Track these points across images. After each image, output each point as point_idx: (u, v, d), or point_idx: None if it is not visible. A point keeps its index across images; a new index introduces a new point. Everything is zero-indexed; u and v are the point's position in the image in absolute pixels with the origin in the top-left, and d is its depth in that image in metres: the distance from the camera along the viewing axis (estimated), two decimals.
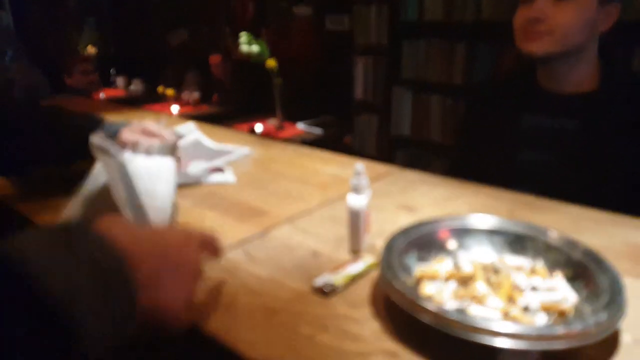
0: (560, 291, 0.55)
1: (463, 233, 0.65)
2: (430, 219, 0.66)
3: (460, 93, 2.49)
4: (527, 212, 0.78)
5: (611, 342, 0.50)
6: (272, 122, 3.15)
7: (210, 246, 0.55)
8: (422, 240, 0.63)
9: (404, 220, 0.77)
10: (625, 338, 0.50)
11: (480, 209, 0.80)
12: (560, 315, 0.53)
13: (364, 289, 0.60)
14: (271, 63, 2.90)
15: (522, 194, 0.85)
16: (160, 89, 3.92)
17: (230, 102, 3.82)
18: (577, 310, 0.53)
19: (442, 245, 0.64)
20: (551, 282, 0.57)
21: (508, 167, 1.12)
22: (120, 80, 4.84)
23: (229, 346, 0.51)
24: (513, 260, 0.61)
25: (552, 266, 0.60)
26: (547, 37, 0.97)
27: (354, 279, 0.61)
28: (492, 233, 0.65)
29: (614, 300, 0.50)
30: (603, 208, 0.80)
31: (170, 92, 3.79)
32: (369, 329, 0.53)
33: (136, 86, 4.71)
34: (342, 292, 0.59)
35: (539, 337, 0.45)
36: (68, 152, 0.89)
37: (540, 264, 0.60)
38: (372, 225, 0.70)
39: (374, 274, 0.63)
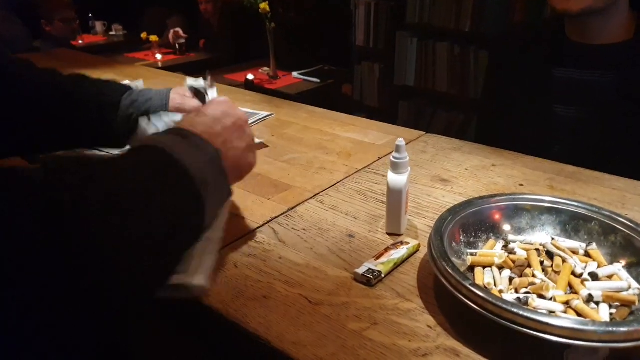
0: (623, 279, 0.52)
1: (512, 213, 0.61)
2: (476, 197, 0.62)
3: (470, 40, 2.39)
4: (569, 184, 0.74)
5: None
6: (265, 71, 3.03)
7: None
8: (470, 222, 0.59)
9: (440, 194, 0.73)
10: None
11: (519, 180, 0.76)
12: (624, 306, 0.50)
13: (409, 275, 0.56)
14: (264, 6, 2.75)
15: (563, 164, 0.81)
16: (143, 35, 3.73)
17: (220, 49, 3.65)
18: None
19: (491, 227, 0.60)
20: (610, 269, 0.53)
21: (540, 123, 1.07)
22: (99, 26, 4.61)
23: (274, 346, 0.47)
24: (566, 243, 0.58)
25: (608, 250, 0.56)
26: None
27: (397, 264, 0.57)
28: (543, 212, 0.61)
29: None
30: (636, 169, 0.77)
31: (154, 38, 3.61)
32: (424, 323, 0.49)
33: (117, 32, 4.50)
34: (387, 280, 0.55)
35: (611, 335, 0.42)
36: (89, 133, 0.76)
37: (594, 248, 0.57)
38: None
39: (417, 258, 0.59)
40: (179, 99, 0.81)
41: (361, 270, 0.55)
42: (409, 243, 0.60)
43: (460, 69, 2.46)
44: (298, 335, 0.48)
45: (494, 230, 0.60)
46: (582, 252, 0.57)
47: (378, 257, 0.58)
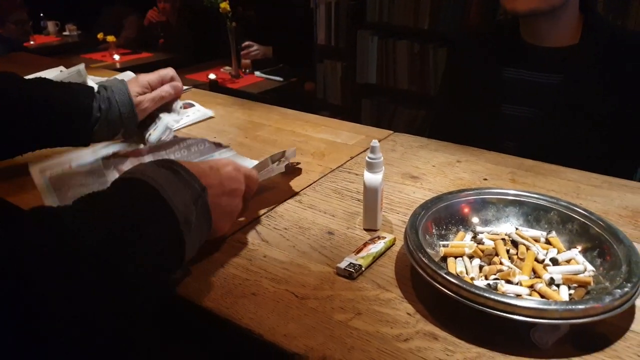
0: (580, 263, 0.57)
1: (479, 206, 0.66)
2: (445, 193, 0.66)
3: (428, 38, 2.46)
4: (529, 177, 0.80)
5: (628, 308, 0.53)
6: (227, 70, 3.02)
7: (251, 180, 0.65)
8: (441, 215, 0.64)
9: (410, 190, 0.77)
10: (639, 303, 0.54)
11: (483, 175, 0.81)
12: (581, 286, 0.55)
13: (387, 268, 0.60)
14: (224, 5, 2.74)
15: (523, 158, 0.87)
16: (100, 35, 3.65)
17: (179, 49, 3.61)
18: (596, 281, 0.55)
19: (460, 220, 0.65)
20: (568, 254, 0.59)
21: (491, 121, 1.13)
22: (51, 26, 4.47)
23: (266, 339, 0.50)
24: (529, 232, 0.63)
25: (566, 237, 0.62)
26: None
27: (376, 258, 0.61)
28: (507, 205, 0.66)
29: (634, 271, 0.52)
30: (583, 163, 0.83)
31: (111, 38, 3.53)
32: (404, 311, 0.53)
33: (70, 32, 4.37)
34: (367, 273, 0.59)
35: (571, 312, 0.47)
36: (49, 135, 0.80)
37: (554, 235, 0.62)
38: None
39: (393, 251, 0.63)
40: (139, 89, 0.88)
41: (343, 264, 0.59)
42: (385, 237, 0.64)
43: (420, 67, 2.53)
44: (288, 328, 0.51)
45: (463, 222, 0.65)
46: (543, 240, 0.62)
47: (357, 251, 0.61)
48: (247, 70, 2.94)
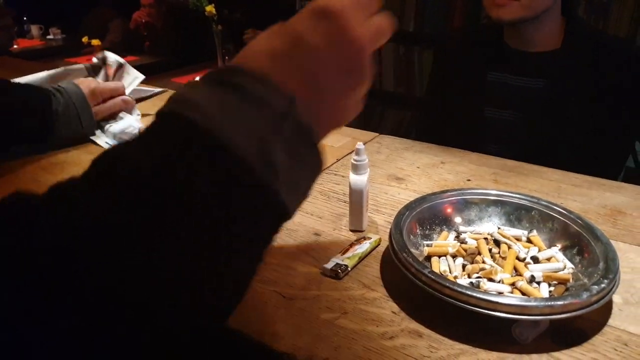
0: (560, 261, 0.59)
1: (462, 206, 0.67)
2: (429, 193, 0.68)
3: (414, 40, 2.48)
4: (511, 177, 0.82)
5: (605, 304, 0.54)
6: None
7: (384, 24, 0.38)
8: (425, 216, 0.65)
9: (395, 191, 0.79)
10: (616, 299, 0.55)
11: (466, 176, 0.83)
12: (561, 283, 0.57)
13: (373, 267, 0.61)
14: (210, 9, 2.74)
15: (505, 159, 0.88)
16: (84, 39, 3.62)
17: (165, 52, 3.60)
18: (575, 277, 0.57)
19: (443, 220, 0.66)
20: (548, 252, 0.60)
21: (476, 124, 1.15)
22: (35, 30, 4.42)
23: (254, 339, 0.51)
24: (511, 231, 0.65)
25: (547, 236, 0.64)
26: (515, 3, 0.99)
27: (362, 258, 0.62)
28: (489, 205, 0.67)
29: (610, 268, 0.54)
30: (566, 166, 0.85)
31: (96, 42, 3.51)
32: (389, 310, 0.54)
33: (54, 35, 4.33)
34: (353, 273, 0.60)
35: (551, 309, 0.49)
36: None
37: (535, 234, 0.64)
38: None
39: (379, 251, 0.64)
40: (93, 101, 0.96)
41: (329, 265, 0.60)
42: (371, 238, 0.65)
43: (406, 69, 2.55)
44: (275, 328, 0.52)
45: (446, 222, 0.66)
46: (524, 238, 0.64)
47: (344, 252, 0.62)
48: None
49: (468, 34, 1.34)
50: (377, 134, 1.02)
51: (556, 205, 0.65)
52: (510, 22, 1.03)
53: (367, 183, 0.66)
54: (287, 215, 0.33)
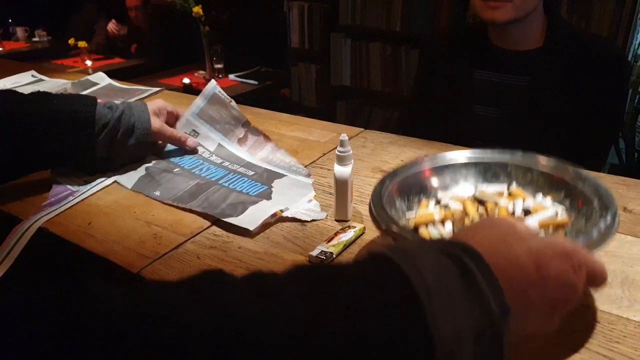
0: (549, 208, 0.59)
1: (436, 172, 0.66)
2: (399, 167, 0.66)
3: (401, 40, 2.51)
4: None
5: None
6: (201, 75, 3.03)
7: (598, 276, 0.40)
8: (401, 188, 0.63)
9: None
10: None
11: None
12: (558, 228, 0.56)
13: (357, 254, 0.63)
14: (197, 9, 2.75)
15: None
16: (71, 41, 3.61)
17: (152, 54, 3.60)
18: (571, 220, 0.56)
19: (420, 189, 0.65)
20: (535, 201, 0.60)
21: (462, 121, 1.18)
22: (20, 32, 4.39)
23: None
24: (490, 187, 0.64)
25: (527, 187, 0.63)
26: (508, 4, 1.01)
27: (347, 246, 0.64)
28: (463, 167, 0.66)
29: (607, 201, 0.54)
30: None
31: (83, 44, 3.50)
32: None
33: (40, 38, 4.31)
34: (338, 260, 0.62)
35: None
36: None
37: (515, 187, 0.64)
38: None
39: (362, 239, 0.66)
40: (158, 123, 0.84)
41: (315, 252, 0.62)
42: (355, 227, 0.67)
43: (393, 68, 2.58)
44: None
45: (423, 191, 0.64)
46: (506, 193, 0.63)
47: (329, 240, 0.64)
48: (221, 76, 2.95)
49: (454, 33, 1.36)
50: (363, 129, 1.03)
51: (532, 155, 0.64)
52: (504, 23, 1.05)
53: (351, 174, 0.68)
54: None
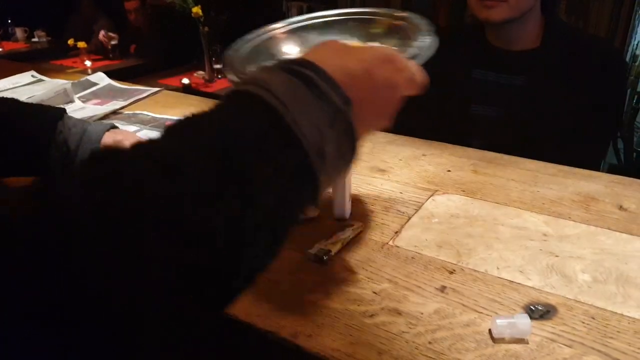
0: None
1: (289, 37, 0.67)
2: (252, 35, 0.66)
3: None
4: (490, 168, 0.85)
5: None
6: (201, 75, 3.03)
7: (416, 79, 0.47)
8: (254, 56, 0.63)
9: (378, 182, 0.81)
10: (585, 277, 0.58)
11: (446, 167, 0.85)
12: None
13: (355, 252, 0.63)
14: (197, 10, 2.75)
15: (484, 151, 0.91)
16: (70, 41, 3.61)
17: (151, 54, 3.60)
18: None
19: (270, 57, 0.64)
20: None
21: (459, 120, 1.18)
22: (19, 32, 4.39)
23: (240, 319, 0.53)
24: None
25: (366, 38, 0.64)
26: (503, 4, 1.02)
27: (345, 244, 0.65)
28: (303, 30, 0.67)
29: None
30: (545, 160, 0.88)
31: (82, 44, 3.50)
32: (370, 290, 0.56)
33: (39, 38, 4.31)
34: (336, 258, 0.62)
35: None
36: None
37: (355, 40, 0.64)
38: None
39: (360, 238, 0.66)
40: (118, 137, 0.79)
41: (313, 250, 0.62)
42: (353, 225, 0.68)
43: None
44: (262, 309, 0.54)
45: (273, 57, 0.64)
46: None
47: (327, 238, 0.65)
48: (220, 76, 2.95)
49: (452, 33, 1.37)
50: None
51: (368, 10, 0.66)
52: (499, 23, 1.06)
53: (349, 172, 0.68)
54: (317, 200, 0.37)
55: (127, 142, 0.76)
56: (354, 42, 0.56)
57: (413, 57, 0.53)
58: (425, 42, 0.57)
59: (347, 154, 0.38)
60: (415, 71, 0.47)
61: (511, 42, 1.13)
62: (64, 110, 0.78)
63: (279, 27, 0.67)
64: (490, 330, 0.50)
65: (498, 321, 0.49)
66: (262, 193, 0.32)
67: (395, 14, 0.64)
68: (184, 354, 0.35)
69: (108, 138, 0.77)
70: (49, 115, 0.76)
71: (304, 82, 0.36)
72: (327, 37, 0.64)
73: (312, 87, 0.36)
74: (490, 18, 1.05)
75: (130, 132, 0.85)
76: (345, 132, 0.37)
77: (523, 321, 0.49)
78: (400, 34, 0.63)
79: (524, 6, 1.04)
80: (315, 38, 0.66)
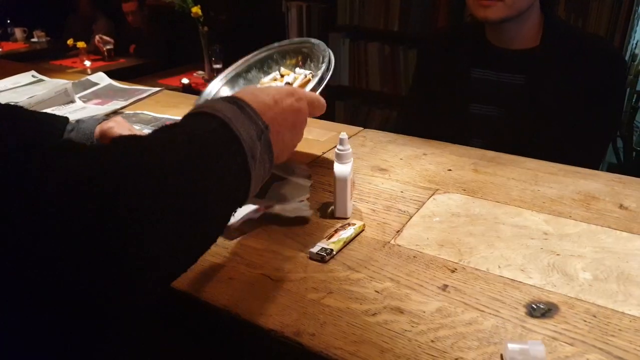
0: (301, 74, 0.85)
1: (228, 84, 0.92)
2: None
3: (399, 40, 2.52)
4: (490, 167, 0.85)
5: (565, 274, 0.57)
6: (200, 75, 3.03)
7: (315, 108, 0.63)
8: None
9: (379, 181, 0.81)
10: (586, 275, 0.58)
11: (447, 166, 0.86)
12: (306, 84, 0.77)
13: (357, 251, 0.63)
14: (196, 10, 2.75)
15: (484, 150, 0.91)
16: (70, 41, 3.61)
17: (151, 54, 3.60)
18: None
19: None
20: (295, 74, 0.86)
21: (459, 120, 1.18)
22: (18, 32, 4.39)
23: (243, 318, 0.53)
24: (266, 77, 0.90)
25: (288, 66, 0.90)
26: (500, 3, 1.02)
27: (346, 243, 0.65)
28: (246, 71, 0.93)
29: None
30: (545, 159, 0.88)
31: (81, 44, 3.50)
32: (372, 289, 0.57)
33: (39, 38, 4.31)
34: (338, 257, 0.63)
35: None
36: None
37: (282, 70, 0.90)
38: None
39: (362, 237, 0.67)
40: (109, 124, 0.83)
41: (315, 249, 0.62)
42: (355, 224, 0.68)
43: (391, 68, 2.59)
44: (264, 307, 0.54)
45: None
46: (278, 76, 0.88)
47: (329, 237, 0.65)
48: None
49: (451, 32, 1.37)
50: (362, 128, 1.04)
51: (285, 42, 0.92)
52: (496, 22, 1.06)
53: (350, 172, 0.68)
54: (248, 194, 0.50)
55: (117, 129, 0.78)
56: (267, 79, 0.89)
57: (319, 82, 0.75)
58: (322, 68, 0.77)
59: (266, 164, 0.52)
60: (313, 98, 0.63)
61: (511, 41, 1.13)
62: (67, 119, 0.80)
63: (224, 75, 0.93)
64: (501, 356, 0.47)
65: (510, 346, 0.46)
66: (209, 186, 0.43)
67: (303, 45, 0.89)
68: (183, 351, 0.44)
69: (98, 129, 0.82)
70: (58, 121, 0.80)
71: (239, 108, 0.50)
72: (262, 72, 0.92)
73: (244, 112, 0.50)
74: (487, 17, 1.06)
75: (121, 119, 0.85)
76: (266, 146, 0.51)
77: (537, 348, 0.46)
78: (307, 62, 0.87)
79: (521, 5, 1.05)
80: (255, 75, 0.93)
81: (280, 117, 0.56)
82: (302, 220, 0.70)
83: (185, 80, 2.85)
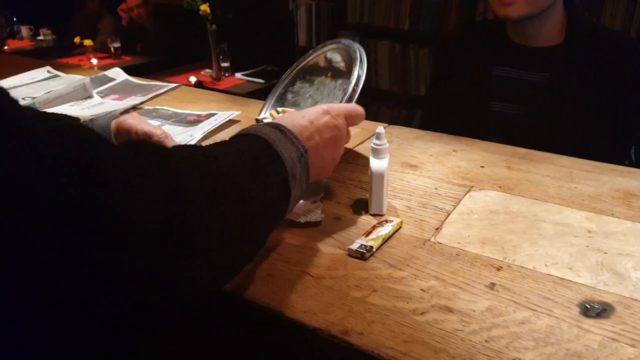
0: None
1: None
2: None
3: (409, 38, 2.50)
4: (524, 164, 0.83)
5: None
6: (208, 73, 3.02)
7: (353, 118, 0.67)
8: None
9: (411, 178, 0.80)
10: (639, 275, 0.56)
11: (479, 163, 0.84)
12: None
13: (397, 249, 0.62)
14: (205, 8, 2.74)
15: (514, 147, 0.90)
16: (76, 39, 3.60)
17: (157, 52, 3.58)
18: None
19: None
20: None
21: (481, 118, 1.17)
22: (24, 30, 4.37)
23: (287, 315, 0.52)
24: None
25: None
26: (521, 0, 1.01)
27: (385, 240, 0.63)
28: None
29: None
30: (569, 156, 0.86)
31: (88, 42, 3.49)
32: (417, 288, 0.55)
33: (45, 36, 4.29)
34: (378, 254, 0.61)
35: None
36: None
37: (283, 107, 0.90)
38: None
39: (400, 234, 0.65)
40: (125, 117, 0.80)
41: (354, 246, 0.61)
42: (392, 221, 0.66)
43: (401, 67, 2.57)
44: (307, 305, 0.52)
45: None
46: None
47: (367, 234, 0.63)
48: (227, 74, 2.94)
49: (471, 30, 1.35)
50: (386, 124, 1.02)
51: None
52: (518, 19, 1.05)
53: (387, 167, 0.67)
54: (286, 212, 0.54)
55: (131, 120, 0.78)
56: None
57: (353, 90, 0.82)
58: (355, 74, 0.82)
59: (303, 185, 0.56)
60: (349, 109, 0.67)
61: (532, 39, 1.11)
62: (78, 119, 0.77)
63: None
64: None
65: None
66: (255, 196, 0.47)
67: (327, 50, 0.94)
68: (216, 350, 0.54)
69: (114, 123, 0.79)
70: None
71: (281, 132, 0.55)
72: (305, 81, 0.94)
73: (285, 135, 0.55)
74: (509, 15, 1.04)
75: (136, 114, 0.83)
76: (305, 168, 0.56)
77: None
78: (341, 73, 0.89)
79: (542, 3, 1.03)
80: (301, 86, 0.94)
81: (318, 137, 0.59)
82: (312, 225, 0.67)
83: (192, 79, 2.84)
